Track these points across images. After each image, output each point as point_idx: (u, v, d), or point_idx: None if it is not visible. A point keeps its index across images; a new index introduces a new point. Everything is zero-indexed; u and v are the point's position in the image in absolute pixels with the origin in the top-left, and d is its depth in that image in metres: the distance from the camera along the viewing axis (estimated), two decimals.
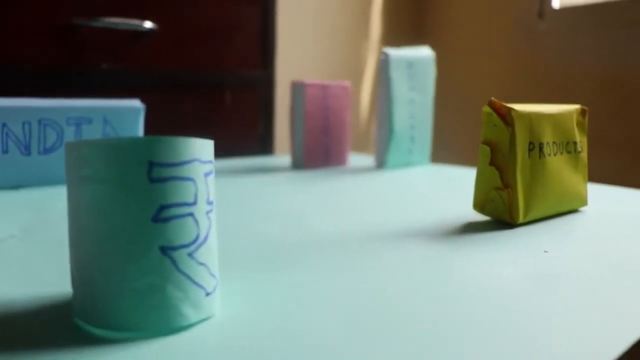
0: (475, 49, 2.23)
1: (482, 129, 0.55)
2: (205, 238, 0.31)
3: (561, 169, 0.58)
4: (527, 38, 2.09)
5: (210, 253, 0.32)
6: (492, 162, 0.55)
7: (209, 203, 0.32)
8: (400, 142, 0.96)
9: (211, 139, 1.16)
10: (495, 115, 0.54)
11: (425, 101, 0.99)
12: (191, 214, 0.30)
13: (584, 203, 0.63)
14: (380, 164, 0.97)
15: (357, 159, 1.08)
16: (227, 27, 1.17)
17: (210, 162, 0.32)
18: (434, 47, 2.34)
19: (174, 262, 0.30)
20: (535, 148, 0.55)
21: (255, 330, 0.30)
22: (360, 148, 2.17)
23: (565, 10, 2.03)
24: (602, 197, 0.73)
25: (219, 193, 0.72)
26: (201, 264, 0.31)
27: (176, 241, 0.30)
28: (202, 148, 0.31)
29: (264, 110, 1.22)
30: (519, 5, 2.11)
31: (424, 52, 0.99)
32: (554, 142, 0.57)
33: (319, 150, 0.97)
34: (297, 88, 0.96)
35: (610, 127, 1.85)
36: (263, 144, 1.22)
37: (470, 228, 0.54)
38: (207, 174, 0.31)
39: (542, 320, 0.32)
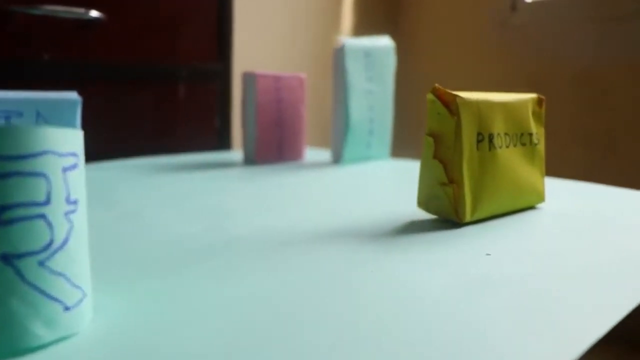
0: (448, 42, 2.20)
1: (427, 119, 0.51)
2: (64, 243, 0.26)
3: (515, 162, 0.54)
4: (500, 32, 2.06)
5: (72, 260, 0.27)
6: (436, 155, 0.50)
7: (71, 203, 0.27)
8: (357, 136, 0.91)
9: (164, 134, 1.11)
10: (439, 103, 0.49)
11: (385, 93, 0.95)
12: (42, 216, 0.25)
13: (541, 199, 0.59)
14: (337, 158, 0.92)
15: (314, 154, 1.04)
16: (180, 17, 1.12)
17: (73, 154, 0.27)
18: (406, 39, 2.29)
19: (19, 272, 0.24)
20: (485, 139, 0.51)
21: (125, 350, 0.25)
22: (326, 143, 2.13)
23: (538, 4, 2.00)
24: (563, 192, 0.69)
25: (157, 191, 0.67)
26: (57, 273, 0.26)
27: (21, 247, 0.24)
28: (60, 138, 0.26)
29: (221, 104, 1.17)
30: None
31: (383, 42, 0.94)
32: (505, 134, 0.53)
33: (272, 145, 0.92)
34: (248, 79, 0.91)
35: (583, 121, 1.83)
36: (220, 139, 1.17)
37: (413, 227, 0.49)
38: (67, 169, 0.26)
39: (473, 330, 0.28)
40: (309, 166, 0.89)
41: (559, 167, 1.88)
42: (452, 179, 0.49)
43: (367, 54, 0.91)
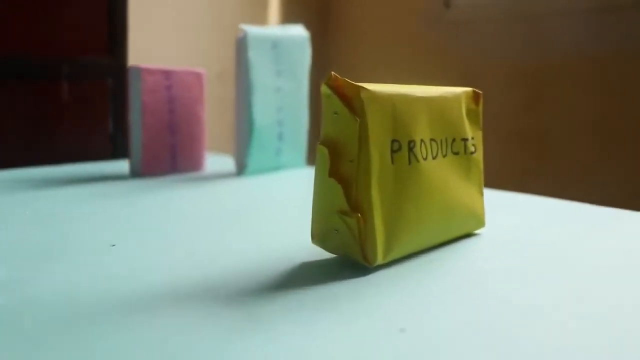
0: (380, 38, 2.08)
1: (322, 121, 0.36)
2: None
3: (445, 177, 0.40)
4: (433, 29, 1.96)
5: None
6: (334, 172, 0.36)
7: None
8: (264, 141, 0.77)
9: (44, 141, 0.93)
10: (336, 98, 0.35)
11: (298, 90, 0.80)
12: None
13: (481, 224, 0.46)
14: (240, 168, 0.77)
15: (218, 163, 0.88)
16: (62, 3, 0.95)
17: None
18: (336, 33, 2.17)
19: None
20: (403, 148, 0.37)
21: None
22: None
23: (471, 0, 1.92)
24: (500, 208, 0.56)
25: None
26: None
27: None
28: None
29: (114, 105, 1.00)
30: None
31: (295, 31, 0.80)
32: (432, 140, 0.40)
33: (162, 153, 0.76)
34: (133, 74, 0.75)
35: (520, 121, 1.74)
36: (116, 147, 1.00)
37: (302, 275, 0.35)
38: None
39: None
40: (207, 179, 0.74)
41: (493, 169, 1.78)
42: (355, 206, 0.35)
43: (275, 44, 0.77)
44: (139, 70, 0.74)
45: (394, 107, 0.36)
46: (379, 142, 0.35)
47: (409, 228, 0.37)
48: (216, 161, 0.90)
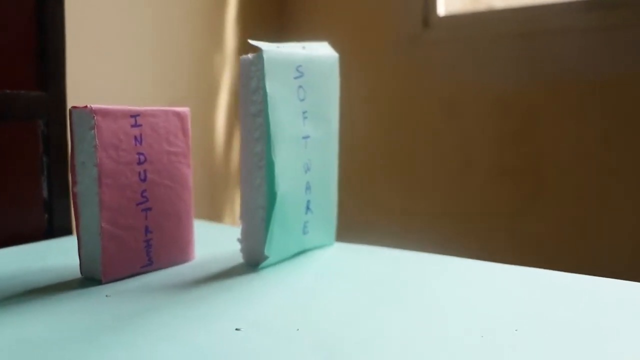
0: (352, 61, 1.86)
1: None
2: None
3: None
4: (411, 50, 1.75)
5: None
6: None
7: None
8: (289, 216, 0.51)
9: None
10: None
11: (328, 137, 0.55)
12: None
13: None
14: (254, 258, 0.51)
15: (211, 243, 0.61)
16: None
17: None
18: None
19: None
20: None
21: None
22: (218, 210, 1.68)
23: (453, 18, 1.73)
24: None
25: None
26: None
27: None
28: None
29: (49, 157, 0.71)
30: (401, 13, 1.77)
31: (324, 51, 0.55)
32: None
33: (133, 240, 0.49)
34: (78, 120, 0.48)
35: (507, 154, 1.55)
36: (52, 218, 0.71)
37: None
38: None
39: None
40: (206, 281, 0.47)
41: (480, 210, 1.56)
42: None
43: (300, 70, 0.51)
44: (88, 113, 0.47)
45: None
46: None
47: None
48: (207, 240, 0.62)
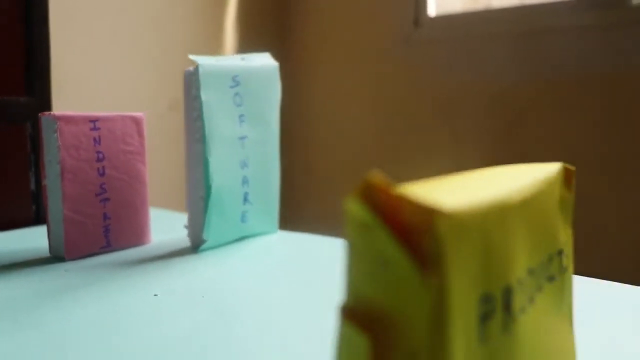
0: (344, 63, 1.93)
1: (348, 269, 0.19)
2: None
3: (541, 330, 0.24)
4: (402, 50, 1.82)
5: None
6: None
7: None
8: (225, 205, 0.59)
9: None
10: (384, 232, 0.17)
11: (267, 138, 0.63)
12: None
13: None
14: (196, 242, 0.59)
15: (169, 230, 0.70)
16: None
17: None
18: (297, 64, 2.00)
19: None
20: (496, 307, 0.20)
21: None
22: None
23: (444, 19, 1.78)
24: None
25: None
26: None
27: None
28: None
29: (35, 156, 0.81)
30: (392, 13, 1.84)
31: (261, 61, 0.63)
32: (530, 271, 0.23)
33: (92, 227, 0.58)
34: (46, 124, 0.57)
35: (500, 150, 1.60)
36: (38, 207, 0.81)
37: None
38: None
39: None
40: (152, 260, 0.56)
41: None
42: None
43: (237, 80, 0.60)
44: (52, 119, 0.56)
45: (488, 236, 0.19)
46: (463, 315, 0.18)
47: None
48: (166, 227, 0.72)
